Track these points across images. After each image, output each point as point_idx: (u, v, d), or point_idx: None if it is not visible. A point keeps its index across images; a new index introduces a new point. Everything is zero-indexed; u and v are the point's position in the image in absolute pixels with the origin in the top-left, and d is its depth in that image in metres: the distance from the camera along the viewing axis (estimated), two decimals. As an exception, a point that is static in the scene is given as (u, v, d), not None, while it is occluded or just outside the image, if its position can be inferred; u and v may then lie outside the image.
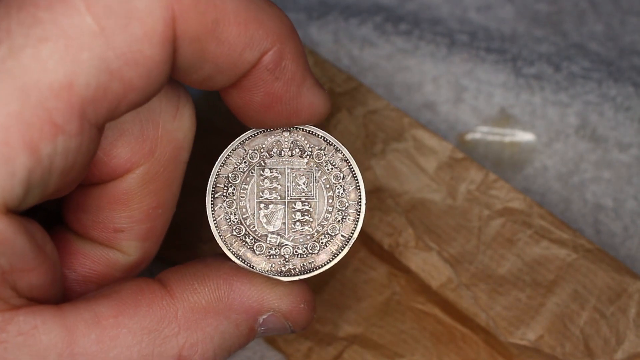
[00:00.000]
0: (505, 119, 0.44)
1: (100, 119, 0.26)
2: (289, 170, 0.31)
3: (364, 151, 0.39)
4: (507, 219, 0.38)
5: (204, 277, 0.29)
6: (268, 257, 0.31)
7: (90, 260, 0.31)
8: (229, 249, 0.31)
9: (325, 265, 0.31)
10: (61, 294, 0.29)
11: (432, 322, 0.39)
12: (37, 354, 0.26)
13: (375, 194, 0.39)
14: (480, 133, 0.44)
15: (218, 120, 0.40)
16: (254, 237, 0.31)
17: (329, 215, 0.31)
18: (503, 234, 0.38)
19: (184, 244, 0.39)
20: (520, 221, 0.38)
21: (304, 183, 0.31)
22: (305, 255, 0.31)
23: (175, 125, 0.30)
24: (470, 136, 0.44)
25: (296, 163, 0.31)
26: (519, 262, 0.38)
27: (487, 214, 0.38)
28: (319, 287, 0.39)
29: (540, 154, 0.44)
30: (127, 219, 0.31)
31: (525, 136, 0.44)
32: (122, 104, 0.26)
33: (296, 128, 0.31)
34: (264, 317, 0.30)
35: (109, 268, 0.31)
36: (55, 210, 0.33)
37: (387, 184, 0.39)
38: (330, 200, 0.31)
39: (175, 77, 0.28)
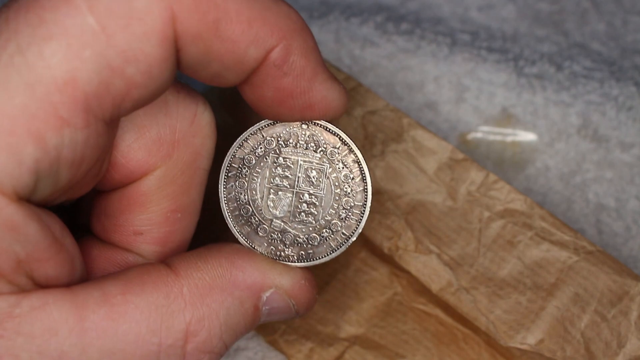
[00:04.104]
0: (506, 118, 0.44)
1: (106, 114, 0.27)
2: (302, 162, 0.32)
3: (363, 153, 0.39)
4: (508, 221, 0.38)
5: (207, 257, 0.30)
6: (269, 241, 0.32)
7: (110, 264, 0.32)
8: (234, 226, 0.32)
9: (322, 258, 0.32)
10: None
11: (433, 322, 0.39)
12: (49, 328, 0.27)
13: (375, 196, 0.39)
14: (482, 133, 0.44)
15: (218, 118, 0.40)
16: (259, 219, 0.32)
17: (334, 212, 0.32)
18: (503, 236, 0.38)
19: None
20: (520, 223, 0.38)
21: (314, 177, 0.32)
22: (304, 245, 0.32)
23: (192, 130, 0.31)
24: (471, 136, 0.44)
25: (310, 156, 0.32)
26: (519, 264, 0.38)
27: (487, 215, 0.38)
28: (320, 287, 0.39)
29: (542, 153, 0.44)
30: (146, 221, 0.32)
31: (527, 136, 0.44)
32: (127, 100, 0.27)
33: (314, 123, 0.32)
34: (267, 294, 0.31)
35: None
36: (84, 223, 0.34)
37: (386, 185, 0.39)
38: (337, 198, 0.32)
39: (186, 73, 0.29)
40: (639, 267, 0.42)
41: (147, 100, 0.28)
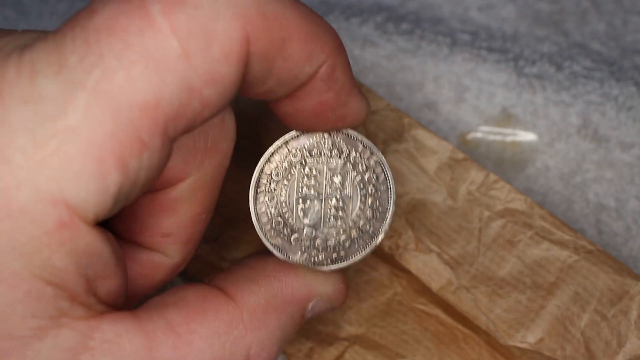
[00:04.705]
0: (506, 118, 0.44)
1: (177, 135, 0.27)
2: (327, 170, 0.33)
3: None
4: (508, 220, 0.38)
5: (256, 279, 0.31)
6: (303, 249, 0.33)
7: (137, 263, 0.32)
8: (268, 240, 0.33)
9: (353, 258, 0.33)
10: (126, 298, 0.30)
11: (433, 322, 0.39)
12: None
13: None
14: (482, 133, 0.44)
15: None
16: (291, 229, 0.33)
17: (361, 213, 0.33)
18: (503, 235, 0.38)
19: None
20: (520, 222, 0.38)
21: (340, 182, 0.33)
22: (336, 248, 0.33)
23: (221, 136, 0.32)
24: (471, 136, 0.44)
25: (334, 163, 0.33)
26: (519, 263, 0.38)
27: (487, 215, 0.38)
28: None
29: (542, 153, 0.44)
30: (175, 224, 0.32)
31: (527, 136, 0.44)
32: (198, 120, 0.27)
33: (336, 131, 0.33)
34: (313, 303, 0.32)
35: (153, 270, 0.33)
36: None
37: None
38: (363, 199, 0.33)
39: (240, 91, 0.29)
40: (639, 267, 0.42)
41: (211, 117, 0.28)
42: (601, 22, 0.46)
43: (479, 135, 0.44)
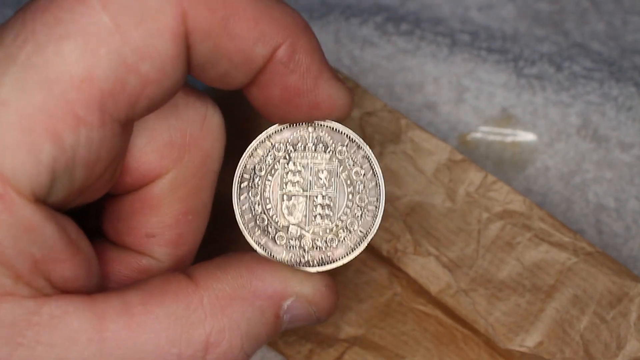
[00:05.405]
0: (506, 119, 0.44)
1: (121, 113, 0.28)
2: (312, 165, 0.32)
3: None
4: (507, 222, 0.38)
5: (226, 267, 0.30)
6: (288, 248, 0.32)
7: (123, 267, 0.32)
8: (252, 237, 0.32)
9: (342, 259, 0.32)
10: (98, 290, 0.30)
11: (433, 323, 0.39)
12: (69, 338, 0.27)
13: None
14: (482, 133, 0.44)
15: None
16: (275, 228, 0.32)
17: (349, 211, 0.32)
18: (502, 238, 0.38)
19: None
20: (520, 224, 0.38)
21: (325, 178, 0.32)
22: (323, 248, 0.32)
23: (203, 133, 0.32)
24: (471, 136, 0.44)
25: (319, 158, 0.32)
26: (518, 266, 0.38)
27: (486, 216, 0.38)
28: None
29: (542, 154, 0.44)
30: (158, 223, 0.32)
31: (526, 136, 0.44)
32: (141, 98, 0.28)
33: (320, 124, 0.32)
34: (288, 303, 0.31)
35: (142, 275, 0.32)
36: (94, 226, 0.34)
37: (384, 187, 0.39)
38: (351, 196, 0.32)
39: (194, 75, 0.30)
40: (638, 267, 0.42)
41: (160, 99, 0.29)
42: (601, 22, 0.46)
43: (478, 135, 0.44)
